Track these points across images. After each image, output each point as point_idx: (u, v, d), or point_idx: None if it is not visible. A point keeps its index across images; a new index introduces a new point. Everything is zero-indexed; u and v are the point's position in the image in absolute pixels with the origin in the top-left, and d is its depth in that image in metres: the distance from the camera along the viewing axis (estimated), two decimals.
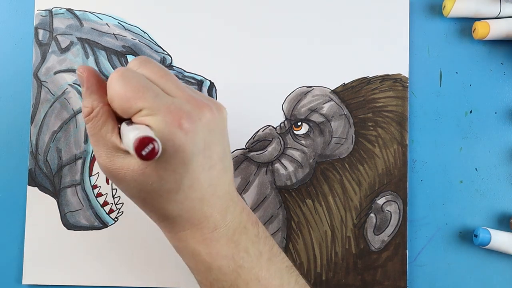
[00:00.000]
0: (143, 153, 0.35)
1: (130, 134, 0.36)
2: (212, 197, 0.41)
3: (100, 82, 0.41)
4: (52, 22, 0.54)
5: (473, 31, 0.54)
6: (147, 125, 0.37)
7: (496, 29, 0.52)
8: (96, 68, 0.53)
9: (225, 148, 0.42)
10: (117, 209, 0.53)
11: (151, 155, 0.35)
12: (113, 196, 0.53)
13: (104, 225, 0.53)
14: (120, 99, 0.38)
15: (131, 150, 0.35)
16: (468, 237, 0.54)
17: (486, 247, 0.52)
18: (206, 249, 0.41)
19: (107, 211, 0.53)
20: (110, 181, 0.53)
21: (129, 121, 0.39)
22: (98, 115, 0.40)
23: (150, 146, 0.35)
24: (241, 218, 0.42)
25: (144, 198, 0.40)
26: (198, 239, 0.41)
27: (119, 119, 0.40)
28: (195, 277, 0.43)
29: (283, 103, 0.54)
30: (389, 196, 0.54)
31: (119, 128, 0.40)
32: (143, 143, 0.34)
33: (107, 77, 0.53)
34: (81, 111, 0.53)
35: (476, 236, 0.52)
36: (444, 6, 0.54)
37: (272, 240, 0.44)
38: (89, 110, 0.40)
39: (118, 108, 0.39)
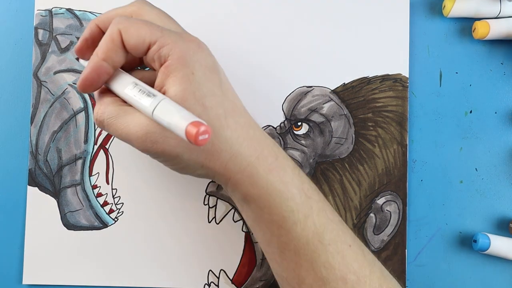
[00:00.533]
0: (200, 138, 0.33)
1: (173, 120, 0.35)
2: (255, 124, 0.41)
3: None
4: (52, 22, 0.54)
5: (473, 31, 0.54)
6: (168, 56, 0.37)
7: (496, 29, 0.53)
8: None
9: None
10: (117, 209, 0.53)
11: (204, 139, 0.33)
12: (113, 196, 0.53)
13: (104, 225, 0.53)
14: (134, 31, 0.38)
15: (185, 138, 0.34)
16: (467, 241, 0.54)
17: (485, 252, 0.52)
18: (278, 177, 0.40)
19: (107, 211, 0.53)
20: (110, 181, 0.53)
21: (135, 84, 0.39)
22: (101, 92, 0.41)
23: (205, 135, 0.33)
24: (283, 152, 0.42)
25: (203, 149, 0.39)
26: (268, 168, 0.40)
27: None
28: (262, 221, 0.41)
29: (283, 103, 0.54)
30: (389, 196, 0.54)
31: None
32: (196, 128, 0.33)
33: None
34: (81, 111, 0.53)
35: (475, 241, 0.52)
36: (444, 6, 0.54)
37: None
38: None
39: (131, 40, 0.38)
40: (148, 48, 0.38)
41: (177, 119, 0.34)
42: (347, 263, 0.41)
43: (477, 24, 0.53)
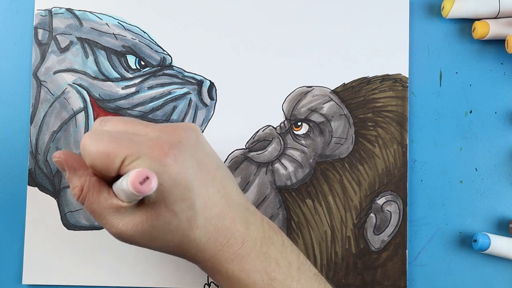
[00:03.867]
0: (142, 185, 0.35)
1: (123, 181, 0.37)
2: (229, 210, 0.41)
3: (78, 159, 0.41)
4: (52, 21, 0.54)
5: (473, 31, 0.54)
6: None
7: (496, 29, 0.53)
8: (96, 68, 0.53)
9: (215, 158, 0.42)
10: None
11: (149, 185, 0.35)
12: None
13: None
14: (100, 159, 0.39)
15: (131, 190, 0.35)
16: (467, 241, 0.54)
17: (485, 252, 0.52)
18: (239, 265, 0.41)
19: None
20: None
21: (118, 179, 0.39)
22: (91, 188, 0.40)
23: (146, 180, 0.35)
24: (263, 228, 0.42)
25: (171, 241, 0.40)
26: (230, 257, 0.41)
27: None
28: None
29: (283, 103, 0.54)
30: (389, 196, 0.54)
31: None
32: (138, 177, 0.35)
33: (106, 77, 0.53)
34: (80, 111, 0.53)
35: (475, 241, 0.52)
36: (443, 7, 0.54)
37: (296, 248, 0.44)
38: (79, 188, 0.41)
39: (102, 168, 0.39)
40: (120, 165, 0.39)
41: (125, 180, 0.36)
42: None
43: (477, 24, 0.53)
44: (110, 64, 0.54)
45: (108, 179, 0.40)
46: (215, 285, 0.53)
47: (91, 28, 0.54)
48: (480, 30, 0.53)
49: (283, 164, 0.54)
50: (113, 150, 0.38)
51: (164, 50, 0.54)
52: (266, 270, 0.41)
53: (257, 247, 0.41)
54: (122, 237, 0.40)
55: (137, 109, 0.53)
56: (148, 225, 0.39)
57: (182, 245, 0.41)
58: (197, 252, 0.41)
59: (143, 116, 0.53)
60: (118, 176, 0.39)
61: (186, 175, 0.38)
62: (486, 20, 0.53)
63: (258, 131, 0.54)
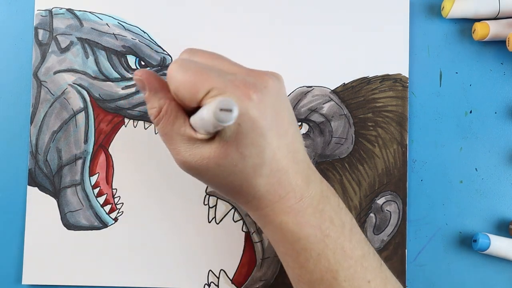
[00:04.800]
0: (222, 113, 0.33)
1: (204, 109, 0.36)
2: (294, 165, 0.41)
3: (160, 81, 0.41)
4: (52, 22, 0.54)
5: (473, 32, 0.54)
6: None
7: (496, 30, 0.53)
8: (96, 68, 0.54)
9: (291, 113, 0.42)
10: (117, 209, 0.53)
11: (229, 114, 0.34)
12: (113, 196, 0.53)
13: (104, 225, 0.53)
14: (186, 87, 0.38)
15: (211, 116, 0.34)
16: (467, 241, 0.54)
17: (485, 252, 0.52)
18: (294, 218, 0.41)
19: (107, 211, 0.53)
20: (110, 181, 0.53)
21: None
22: (168, 111, 0.40)
23: (228, 111, 0.33)
24: (322, 187, 0.42)
25: (231, 182, 0.40)
26: (286, 210, 0.41)
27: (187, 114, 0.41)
28: (278, 249, 0.43)
29: None
30: (389, 196, 0.54)
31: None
32: (222, 104, 0.33)
33: (106, 77, 0.53)
34: (80, 111, 0.53)
35: (475, 241, 0.52)
36: (443, 7, 0.54)
37: (350, 212, 0.44)
38: (157, 109, 0.40)
39: (186, 96, 0.39)
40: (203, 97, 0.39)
41: (206, 108, 0.36)
42: None
43: (477, 25, 0.53)
44: (110, 64, 0.54)
45: (187, 109, 0.40)
46: (215, 284, 0.53)
47: (91, 28, 0.54)
48: (480, 31, 0.53)
49: None
50: (200, 80, 0.38)
51: (164, 50, 0.54)
52: (320, 226, 0.41)
53: (314, 204, 0.41)
54: (185, 166, 0.40)
55: (137, 109, 0.53)
56: (214, 162, 0.39)
57: (241, 189, 0.40)
58: (253, 199, 0.41)
59: (143, 116, 0.53)
60: (197, 108, 0.39)
61: (264, 121, 0.38)
62: (486, 21, 0.53)
63: None
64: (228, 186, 0.41)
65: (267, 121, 0.39)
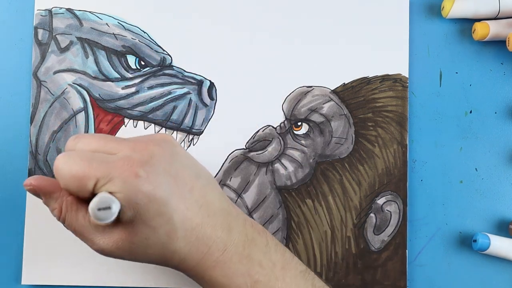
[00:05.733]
0: (100, 212, 0.35)
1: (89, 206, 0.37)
2: (209, 218, 0.41)
3: (51, 182, 0.41)
4: (52, 21, 0.54)
5: (473, 32, 0.54)
6: (110, 192, 0.38)
7: (496, 30, 0.53)
8: (96, 68, 0.53)
9: (194, 168, 0.42)
10: None
11: (107, 213, 0.36)
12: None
13: None
14: (73, 182, 0.39)
15: (91, 217, 0.36)
16: (467, 241, 0.54)
17: (485, 252, 0.52)
18: (221, 271, 0.41)
19: None
20: None
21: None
22: (68, 208, 0.40)
23: (105, 209, 0.36)
24: (246, 230, 0.42)
25: (152, 254, 0.41)
26: (211, 265, 0.41)
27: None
28: None
29: (283, 103, 0.54)
30: (389, 196, 0.54)
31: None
32: (99, 204, 0.35)
33: (106, 77, 0.53)
34: (80, 111, 0.53)
35: (475, 241, 0.52)
36: (443, 7, 0.54)
37: (282, 246, 0.44)
38: (58, 209, 0.41)
39: (77, 190, 0.39)
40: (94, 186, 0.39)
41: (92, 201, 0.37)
42: None
43: (477, 25, 0.53)
44: (110, 64, 0.54)
45: (85, 198, 0.40)
46: None
47: (91, 28, 0.54)
48: (480, 31, 0.53)
49: (283, 164, 0.54)
50: (84, 173, 0.38)
51: (164, 50, 0.54)
52: (249, 273, 0.41)
53: (239, 251, 0.41)
54: (104, 253, 0.41)
55: (137, 109, 0.53)
56: (128, 241, 0.39)
57: (164, 257, 0.41)
58: (179, 262, 0.41)
59: (143, 116, 0.53)
60: (94, 195, 0.39)
61: (160, 191, 0.39)
62: (486, 21, 0.53)
63: (258, 131, 0.54)
64: (150, 258, 0.41)
65: (163, 189, 0.39)
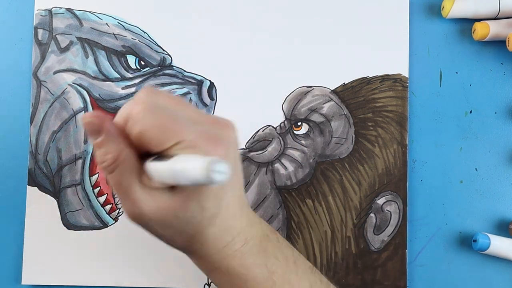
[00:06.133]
0: (217, 175, 0.32)
1: (189, 163, 0.33)
2: (240, 211, 0.41)
3: (114, 124, 0.38)
4: (52, 21, 0.54)
5: (473, 32, 0.54)
6: None
7: (496, 30, 0.53)
8: (96, 68, 0.53)
9: (240, 160, 0.41)
10: (117, 208, 0.53)
11: (222, 177, 0.32)
12: (113, 195, 0.53)
13: (104, 225, 0.53)
14: (154, 133, 0.36)
15: (199, 176, 0.32)
16: (467, 241, 0.54)
17: (485, 252, 0.52)
18: (240, 261, 0.41)
19: (107, 211, 0.53)
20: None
21: (157, 157, 0.36)
22: (127, 159, 0.37)
23: (222, 168, 0.32)
24: (262, 226, 0.42)
25: (184, 233, 0.39)
26: (232, 254, 0.41)
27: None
28: None
29: (283, 103, 0.54)
30: (389, 196, 0.54)
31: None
32: (214, 165, 0.32)
33: (106, 77, 0.53)
34: (80, 111, 0.53)
35: (475, 241, 0.52)
36: (443, 7, 0.54)
37: (289, 244, 0.44)
38: (114, 156, 0.37)
39: (151, 142, 0.36)
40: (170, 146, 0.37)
41: (194, 161, 0.33)
42: None
43: (477, 25, 0.53)
44: (110, 64, 0.54)
45: (141, 152, 0.38)
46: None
47: (91, 28, 0.54)
48: (480, 31, 0.53)
49: (283, 164, 0.54)
50: (171, 129, 0.36)
51: (164, 50, 0.54)
52: (266, 264, 0.41)
53: (257, 244, 0.41)
54: (140, 218, 0.38)
55: None
56: (172, 213, 0.37)
57: (193, 239, 0.40)
58: (202, 247, 0.40)
59: None
60: (152, 154, 0.37)
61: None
62: (486, 21, 0.53)
63: (258, 131, 0.54)
64: (180, 236, 0.40)
65: (236, 163, 0.39)
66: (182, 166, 0.34)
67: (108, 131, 0.37)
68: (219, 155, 0.37)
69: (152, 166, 0.37)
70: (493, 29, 0.53)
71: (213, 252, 0.41)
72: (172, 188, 0.37)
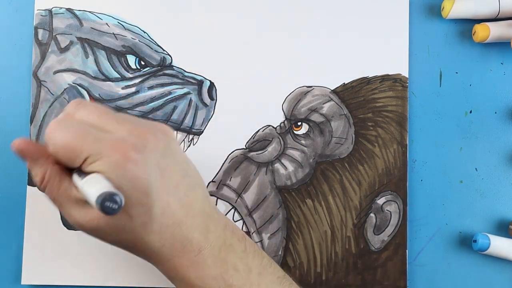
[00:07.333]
0: (108, 210, 0.35)
1: (90, 191, 0.36)
2: (188, 218, 0.40)
3: (38, 148, 0.40)
4: (52, 21, 0.54)
5: (473, 34, 0.54)
6: (97, 171, 0.37)
7: (496, 31, 0.53)
8: (96, 68, 0.53)
9: (184, 166, 0.42)
10: None
11: (116, 209, 0.35)
12: None
13: None
14: (64, 151, 0.38)
15: (95, 207, 0.35)
16: (467, 241, 0.54)
17: (485, 252, 0.52)
18: (195, 272, 0.41)
19: None
20: None
21: (79, 171, 0.39)
22: (51, 177, 0.40)
23: (112, 204, 0.35)
24: (225, 235, 0.42)
25: (125, 240, 0.40)
26: (186, 264, 0.41)
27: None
28: None
29: (283, 103, 0.54)
30: (389, 196, 0.54)
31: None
32: (105, 199, 0.35)
33: (106, 77, 0.53)
34: None
35: (475, 241, 0.52)
36: (443, 7, 0.54)
37: (262, 252, 0.44)
38: (41, 177, 0.40)
39: (65, 159, 0.39)
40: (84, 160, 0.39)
41: (94, 189, 0.36)
42: None
43: (477, 27, 0.53)
44: (110, 64, 0.54)
45: (71, 168, 0.40)
46: None
47: (91, 28, 0.54)
48: (480, 33, 0.53)
49: (283, 164, 0.54)
50: (77, 146, 0.38)
51: (164, 50, 0.54)
52: (222, 276, 0.41)
53: (215, 254, 0.41)
54: (79, 227, 0.40)
55: (137, 109, 0.53)
56: (103, 222, 0.39)
57: (136, 246, 0.41)
58: (152, 255, 0.41)
59: (144, 116, 0.53)
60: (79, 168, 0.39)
61: (146, 181, 0.38)
62: (486, 23, 0.53)
63: (258, 131, 0.54)
64: (123, 243, 0.41)
65: (149, 180, 0.38)
66: (85, 192, 0.37)
67: (30, 156, 0.40)
68: (129, 160, 0.37)
69: (75, 181, 0.39)
70: (494, 31, 0.53)
71: (166, 261, 0.41)
72: None
